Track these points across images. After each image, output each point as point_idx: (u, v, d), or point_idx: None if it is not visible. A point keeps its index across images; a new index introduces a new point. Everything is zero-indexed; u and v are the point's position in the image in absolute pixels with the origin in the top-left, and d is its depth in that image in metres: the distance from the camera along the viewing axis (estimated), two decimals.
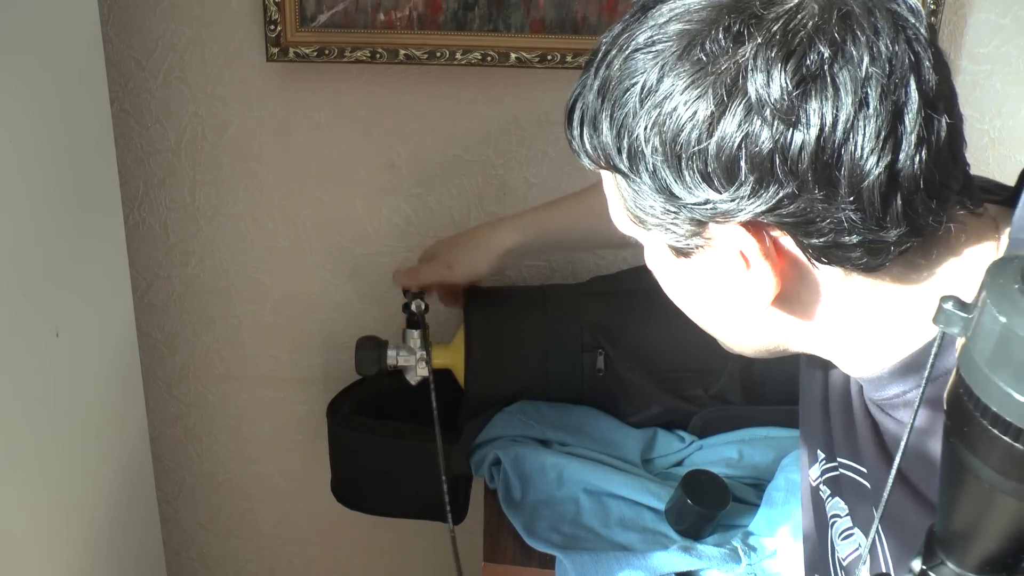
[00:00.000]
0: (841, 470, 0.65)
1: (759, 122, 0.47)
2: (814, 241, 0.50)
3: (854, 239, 0.49)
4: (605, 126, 0.52)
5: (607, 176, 0.56)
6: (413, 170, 1.18)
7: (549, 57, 1.06)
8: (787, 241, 0.51)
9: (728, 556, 0.84)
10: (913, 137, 0.47)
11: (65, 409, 1.00)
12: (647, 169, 0.51)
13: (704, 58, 0.48)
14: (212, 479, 1.40)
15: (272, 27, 1.06)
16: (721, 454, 0.96)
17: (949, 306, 0.35)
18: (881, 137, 0.47)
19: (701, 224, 0.51)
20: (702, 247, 0.53)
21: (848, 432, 0.63)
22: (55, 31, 0.95)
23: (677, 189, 0.50)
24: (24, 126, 0.89)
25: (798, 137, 0.47)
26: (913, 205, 0.48)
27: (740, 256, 0.51)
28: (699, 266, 0.55)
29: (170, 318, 1.29)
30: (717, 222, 0.51)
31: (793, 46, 0.47)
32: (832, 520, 0.67)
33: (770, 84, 0.46)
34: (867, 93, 0.47)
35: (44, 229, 0.94)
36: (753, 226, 0.50)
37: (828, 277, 0.53)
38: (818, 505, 0.69)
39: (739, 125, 0.47)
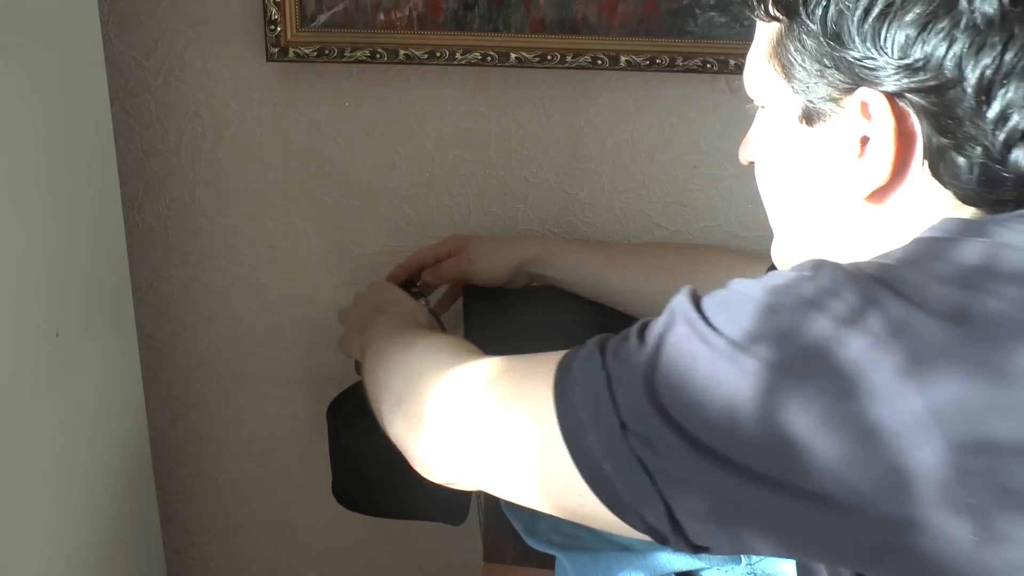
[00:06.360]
0: None
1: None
2: (944, 140, 0.50)
3: (977, 154, 0.49)
4: None
5: (763, 29, 0.58)
6: (413, 170, 1.18)
7: (549, 57, 1.06)
8: (913, 128, 0.51)
9: (728, 556, 0.84)
10: None
11: (65, 409, 1.00)
12: (823, 10, 0.52)
13: None
14: (212, 479, 1.40)
15: (272, 27, 1.06)
16: None
17: None
18: None
19: (846, 88, 0.52)
20: (830, 116, 0.54)
21: None
22: (55, 31, 0.95)
23: (848, 38, 0.51)
24: (24, 126, 0.89)
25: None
26: None
27: (858, 142, 0.53)
28: (816, 138, 0.56)
29: (170, 318, 1.29)
30: (869, 84, 0.51)
31: None
32: None
33: None
34: None
35: (44, 229, 0.94)
36: (894, 101, 0.51)
37: (915, 193, 0.53)
38: None
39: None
